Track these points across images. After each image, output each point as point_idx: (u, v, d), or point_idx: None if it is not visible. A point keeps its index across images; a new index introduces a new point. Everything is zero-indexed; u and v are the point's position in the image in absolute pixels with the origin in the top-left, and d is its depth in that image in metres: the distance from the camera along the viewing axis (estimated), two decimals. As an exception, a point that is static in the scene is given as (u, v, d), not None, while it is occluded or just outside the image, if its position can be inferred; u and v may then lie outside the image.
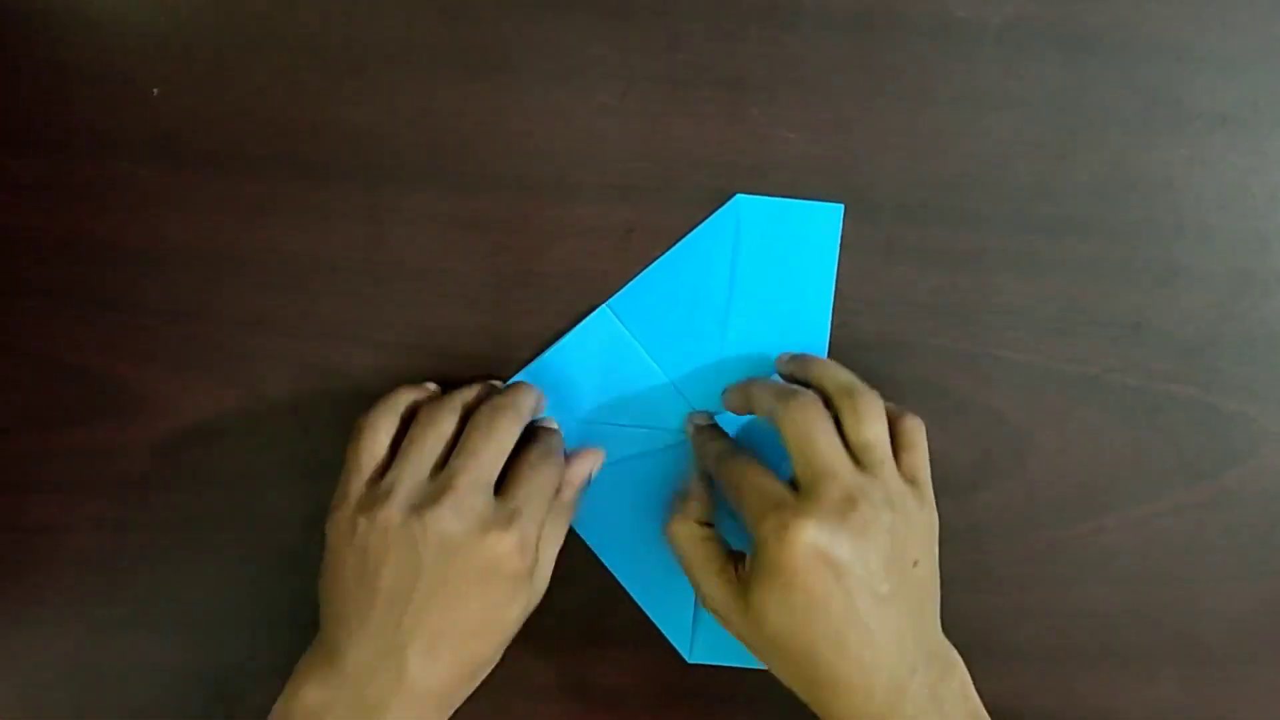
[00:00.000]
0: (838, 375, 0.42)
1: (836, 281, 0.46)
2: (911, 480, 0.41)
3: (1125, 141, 0.45)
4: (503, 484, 0.41)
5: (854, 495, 0.38)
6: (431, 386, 0.44)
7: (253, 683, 0.48)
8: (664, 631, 0.47)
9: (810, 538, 0.37)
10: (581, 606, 0.47)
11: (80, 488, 0.47)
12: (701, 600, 0.42)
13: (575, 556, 0.47)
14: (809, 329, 0.46)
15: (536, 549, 0.41)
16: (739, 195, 0.45)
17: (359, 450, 0.41)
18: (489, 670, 0.41)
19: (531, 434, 0.44)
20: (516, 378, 0.46)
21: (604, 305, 0.46)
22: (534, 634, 0.47)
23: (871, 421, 0.40)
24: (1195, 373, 0.47)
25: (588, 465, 0.45)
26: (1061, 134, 0.45)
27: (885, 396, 0.46)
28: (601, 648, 0.48)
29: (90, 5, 0.45)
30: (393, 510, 0.39)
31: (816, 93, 0.45)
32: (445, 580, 0.38)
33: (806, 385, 0.42)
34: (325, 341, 0.46)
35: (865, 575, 0.38)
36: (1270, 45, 0.45)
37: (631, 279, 0.46)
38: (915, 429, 0.42)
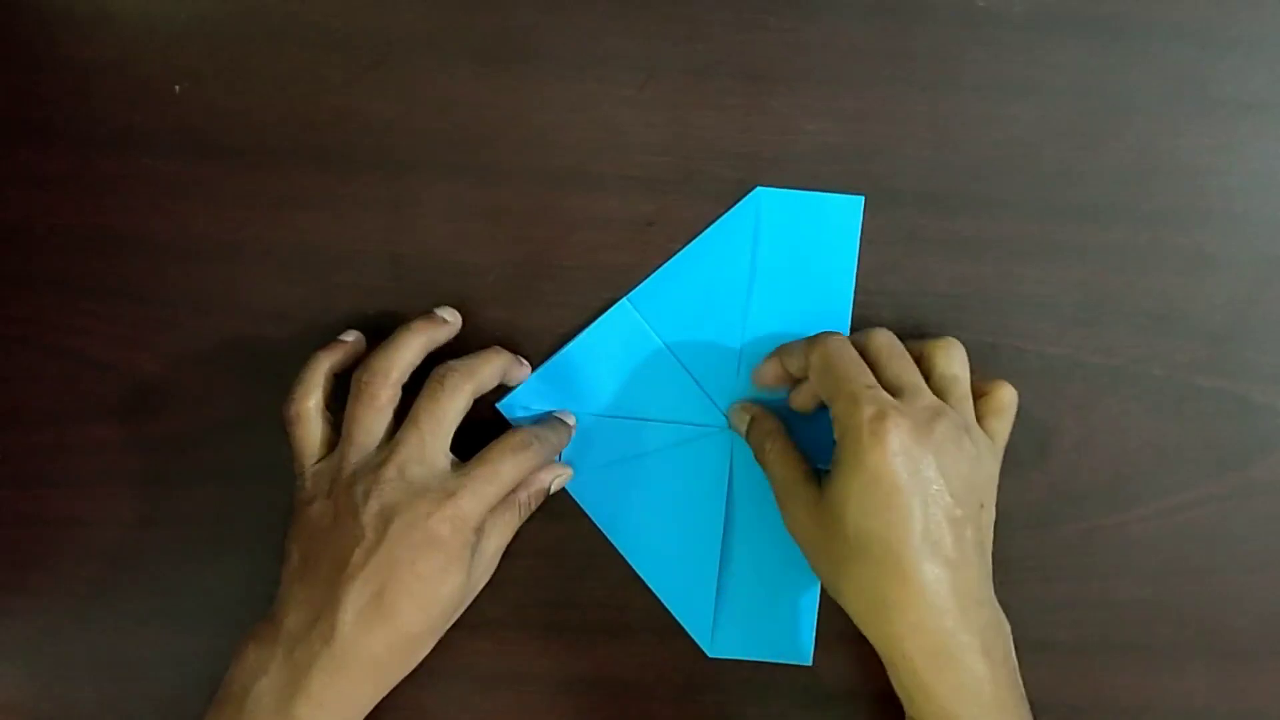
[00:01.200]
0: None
1: (858, 272, 0.46)
2: (992, 436, 0.41)
3: (1151, 128, 0.45)
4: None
5: (939, 411, 0.39)
6: (350, 339, 0.44)
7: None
8: (684, 625, 0.47)
9: (904, 434, 0.38)
10: (602, 599, 0.47)
11: (105, 481, 0.47)
12: (785, 519, 0.42)
13: (595, 549, 0.47)
14: (830, 321, 0.46)
15: (478, 532, 0.41)
16: (759, 187, 0.45)
17: (297, 439, 0.42)
18: (425, 649, 0.42)
19: (533, 420, 0.44)
20: (536, 374, 0.46)
21: (624, 299, 0.46)
22: (554, 626, 0.47)
23: (961, 361, 0.41)
24: (1222, 363, 0.46)
25: (551, 476, 0.45)
26: (1086, 121, 0.45)
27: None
28: (622, 641, 0.48)
29: (113, 2, 0.45)
30: (340, 482, 0.40)
31: (838, 82, 0.45)
32: (380, 547, 0.39)
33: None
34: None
35: (945, 488, 0.38)
36: (1298, 31, 0.45)
37: (652, 271, 0.46)
38: (1008, 395, 0.43)
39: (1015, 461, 0.47)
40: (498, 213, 0.46)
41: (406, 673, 0.42)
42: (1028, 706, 0.40)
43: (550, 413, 0.46)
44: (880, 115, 0.45)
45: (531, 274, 0.46)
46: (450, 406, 0.41)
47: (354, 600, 0.39)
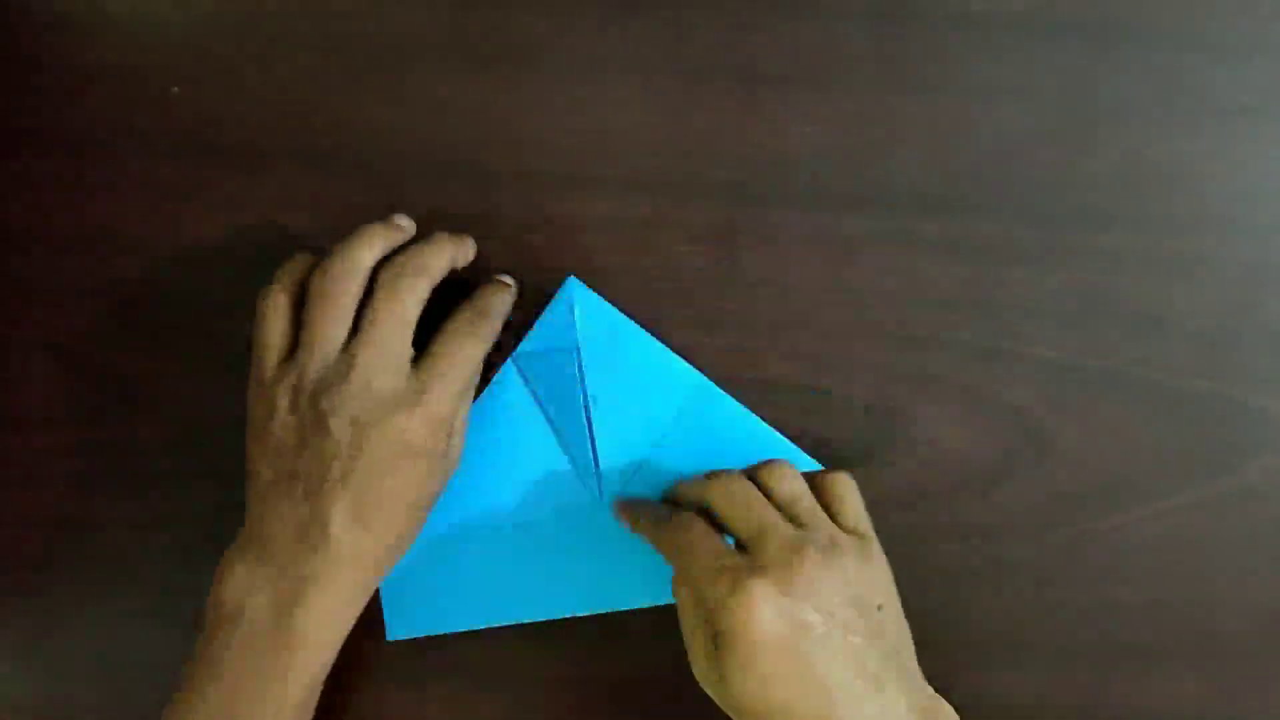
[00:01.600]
0: (742, 468, 0.42)
1: (855, 276, 0.46)
2: (853, 531, 0.40)
3: (1146, 133, 0.45)
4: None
5: (796, 544, 0.37)
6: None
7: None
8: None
9: (767, 595, 0.36)
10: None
11: (101, 483, 0.47)
12: (693, 669, 0.40)
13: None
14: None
15: (452, 423, 0.40)
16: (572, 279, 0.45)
17: (263, 331, 0.41)
18: (412, 540, 0.42)
19: (474, 292, 0.43)
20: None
21: (509, 359, 0.46)
22: (552, 626, 0.47)
23: (788, 479, 0.40)
24: (1216, 366, 0.46)
25: (492, 294, 0.43)
26: (1081, 126, 0.45)
27: (904, 390, 0.46)
28: (620, 641, 0.48)
29: (110, 5, 0.45)
30: (303, 394, 0.39)
31: (834, 85, 0.45)
32: (359, 459, 0.39)
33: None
34: (343, 337, 0.46)
35: (832, 625, 0.37)
36: (1293, 35, 0.45)
37: (647, 274, 0.46)
38: (841, 482, 0.41)
39: (1011, 464, 0.47)
40: (494, 216, 0.46)
41: (398, 560, 0.42)
42: None
43: (490, 278, 0.44)
44: (875, 118, 0.45)
45: (529, 277, 0.46)
46: (408, 306, 0.40)
47: (340, 511, 0.39)
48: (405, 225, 0.43)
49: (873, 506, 0.46)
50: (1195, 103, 0.45)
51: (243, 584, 0.39)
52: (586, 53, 0.45)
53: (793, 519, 0.39)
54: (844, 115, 0.45)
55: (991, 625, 0.47)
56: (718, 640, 0.37)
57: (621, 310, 0.46)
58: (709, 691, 0.39)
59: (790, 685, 0.36)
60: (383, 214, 0.45)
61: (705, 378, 0.46)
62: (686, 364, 0.46)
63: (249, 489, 0.41)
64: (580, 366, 0.45)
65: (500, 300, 0.43)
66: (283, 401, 0.39)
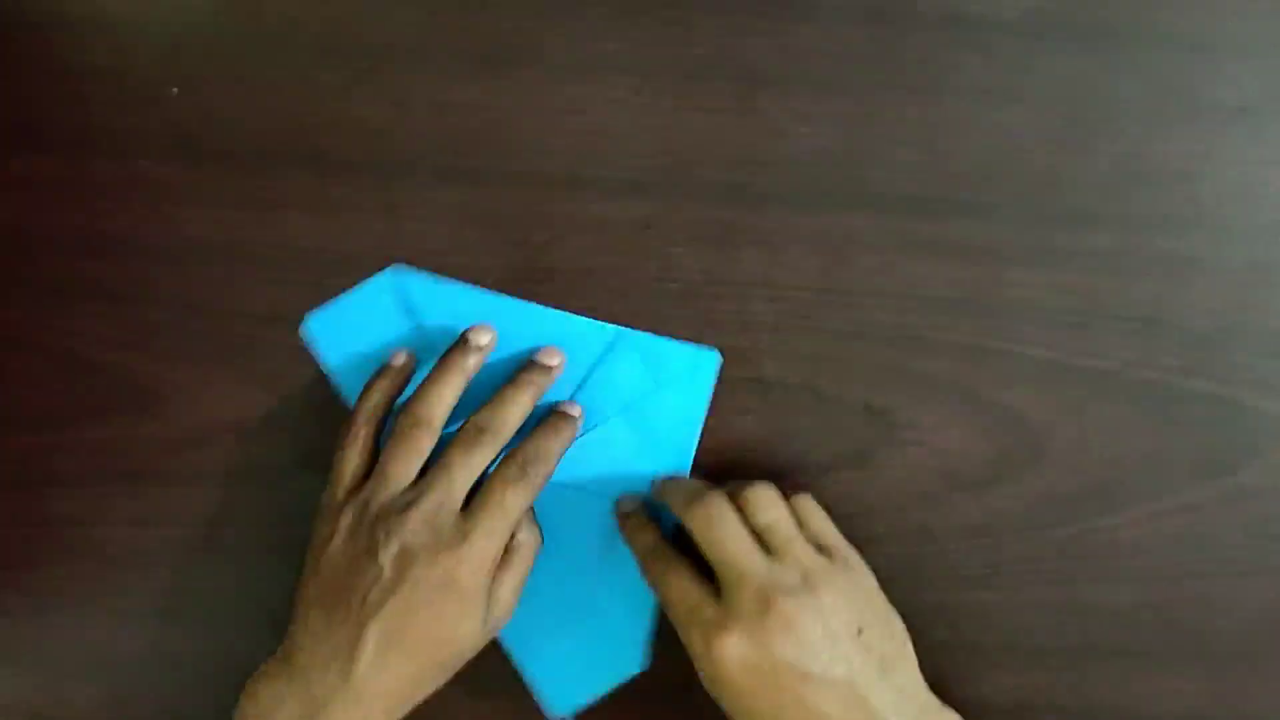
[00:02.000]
0: (725, 486, 0.43)
1: (852, 277, 0.46)
2: (822, 549, 0.41)
3: (1142, 134, 0.45)
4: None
5: (767, 593, 0.39)
6: (400, 362, 0.44)
7: (271, 675, 0.48)
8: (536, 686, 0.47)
9: (738, 648, 0.38)
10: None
11: (100, 482, 0.47)
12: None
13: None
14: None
15: (492, 574, 0.41)
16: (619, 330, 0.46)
17: (342, 460, 0.42)
18: (438, 684, 0.42)
19: (537, 430, 0.44)
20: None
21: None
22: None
23: (766, 506, 0.41)
24: (1212, 367, 0.46)
25: (548, 439, 0.44)
26: (1077, 126, 0.45)
27: (900, 391, 0.46)
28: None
29: (108, 7, 0.45)
30: (365, 521, 0.41)
31: (831, 86, 0.45)
32: (399, 590, 0.40)
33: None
34: (342, 337, 0.47)
35: (808, 661, 0.38)
36: (1289, 36, 0.45)
37: (645, 275, 0.46)
38: (803, 503, 0.43)
39: (1007, 465, 0.47)
40: (492, 216, 0.46)
41: (417, 704, 0.42)
42: None
43: (551, 408, 0.45)
44: (872, 119, 0.45)
45: (526, 278, 0.46)
46: (480, 462, 0.42)
47: (373, 639, 0.40)
48: (483, 341, 0.44)
49: (868, 507, 0.46)
50: (1191, 104, 0.45)
51: (267, 701, 0.40)
52: (585, 54, 0.45)
53: (768, 547, 0.40)
54: (841, 116, 0.45)
55: (986, 626, 0.47)
56: (705, 682, 0.40)
57: (621, 310, 0.46)
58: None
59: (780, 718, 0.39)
60: (379, 213, 0.46)
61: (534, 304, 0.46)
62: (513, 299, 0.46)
63: (295, 604, 0.42)
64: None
65: (559, 443, 0.43)
66: (344, 524, 0.41)
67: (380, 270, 0.46)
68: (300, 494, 0.47)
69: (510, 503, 0.41)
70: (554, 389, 0.45)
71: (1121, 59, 0.45)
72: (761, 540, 0.41)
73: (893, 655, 0.41)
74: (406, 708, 0.42)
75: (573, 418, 0.45)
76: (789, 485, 0.46)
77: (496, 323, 0.45)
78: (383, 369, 0.44)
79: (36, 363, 0.47)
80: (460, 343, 0.44)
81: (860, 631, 0.40)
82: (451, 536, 0.40)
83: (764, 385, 0.47)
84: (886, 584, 0.43)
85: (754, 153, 0.45)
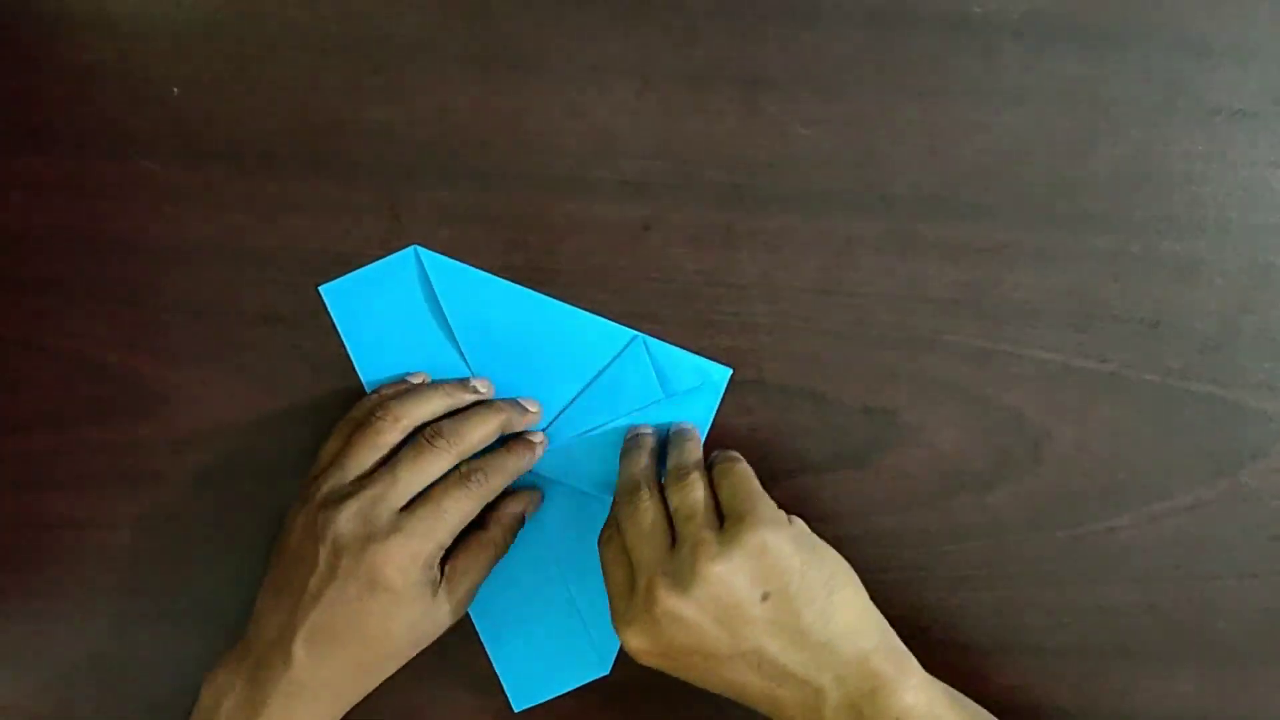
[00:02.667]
0: (681, 451, 0.44)
1: (853, 278, 0.46)
2: (729, 515, 0.41)
3: (1144, 136, 0.45)
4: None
5: (650, 588, 0.39)
6: (417, 381, 0.45)
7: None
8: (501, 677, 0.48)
9: (636, 644, 0.40)
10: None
11: (101, 483, 0.47)
12: None
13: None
14: None
15: (431, 569, 0.42)
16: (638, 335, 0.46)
17: (322, 449, 0.43)
18: (385, 674, 0.43)
19: (499, 449, 0.44)
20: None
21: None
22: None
23: (678, 490, 0.42)
24: (1214, 369, 0.46)
25: (520, 504, 0.46)
26: (1080, 128, 0.45)
27: (902, 392, 0.46)
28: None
29: (111, 6, 0.45)
30: (309, 507, 0.41)
31: (833, 88, 0.45)
32: (333, 581, 0.40)
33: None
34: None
35: (709, 646, 0.39)
36: (1291, 39, 0.45)
37: (646, 276, 0.46)
38: (722, 469, 0.43)
39: (1009, 466, 0.47)
40: (494, 218, 0.46)
41: (366, 693, 0.43)
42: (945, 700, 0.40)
43: (518, 434, 0.46)
44: (875, 121, 0.45)
45: (527, 278, 0.46)
46: (430, 468, 0.42)
47: (308, 629, 0.40)
48: (482, 390, 0.45)
49: (869, 507, 0.46)
50: (1193, 106, 0.45)
51: (221, 685, 0.41)
52: (587, 55, 0.45)
53: (680, 531, 0.41)
54: (843, 118, 0.45)
55: (988, 627, 0.47)
56: None
57: (622, 312, 0.46)
58: None
59: (710, 685, 0.41)
60: (382, 214, 0.46)
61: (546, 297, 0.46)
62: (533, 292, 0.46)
63: (259, 592, 0.43)
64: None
65: (513, 462, 0.44)
66: (300, 511, 0.42)
67: (355, 347, 0.47)
68: (301, 494, 0.47)
69: (447, 506, 0.42)
70: (560, 379, 0.46)
71: (1124, 62, 0.45)
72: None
73: (814, 610, 0.39)
74: (355, 698, 0.42)
75: (534, 444, 0.45)
76: (789, 485, 0.46)
77: (514, 314, 0.46)
78: (397, 381, 0.45)
79: (36, 362, 0.47)
80: (463, 380, 0.45)
81: (765, 597, 0.39)
82: (381, 532, 0.40)
83: (764, 386, 0.47)
84: (887, 584, 0.43)
85: (755, 155, 0.45)
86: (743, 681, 0.40)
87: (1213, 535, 0.47)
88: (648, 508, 0.41)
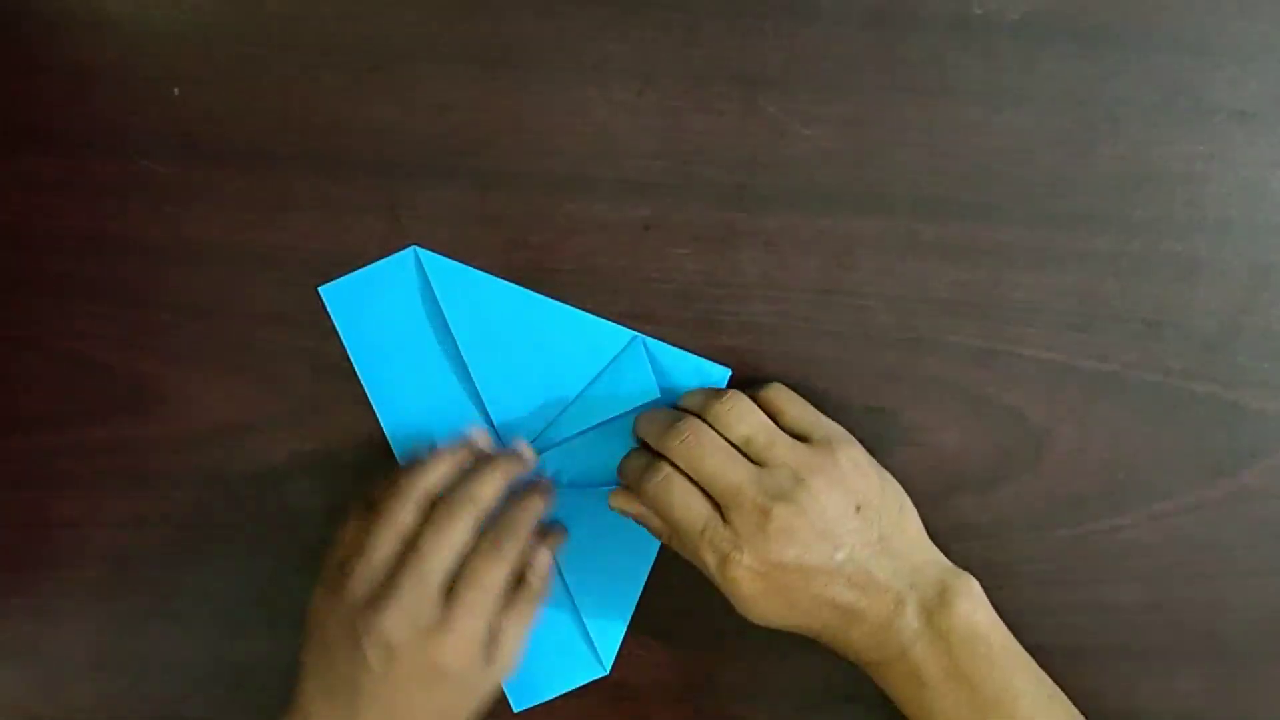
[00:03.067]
0: (691, 400, 0.44)
1: (854, 279, 0.46)
2: (804, 436, 0.42)
3: (1144, 136, 0.45)
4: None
5: (763, 504, 0.40)
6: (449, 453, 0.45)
7: (272, 676, 0.48)
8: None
9: (749, 565, 0.40)
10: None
11: (102, 483, 0.47)
12: None
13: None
14: None
15: (490, 639, 0.42)
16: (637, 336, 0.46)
17: (337, 542, 0.43)
18: None
19: (508, 504, 0.44)
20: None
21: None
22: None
23: (739, 419, 0.42)
24: (1214, 369, 0.46)
25: (551, 550, 0.45)
26: (1080, 129, 0.45)
27: (902, 391, 0.46)
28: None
29: (111, 6, 0.45)
30: (345, 604, 0.41)
31: (834, 88, 0.45)
32: (388, 681, 0.40)
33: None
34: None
35: (813, 558, 0.40)
36: (1291, 39, 0.45)
37: (647, 276, 0.46)
38: (773, 395, 0.44)
39: (1010, 466, 0.47)
40: (494, 217, 0.46)
41: None
42: (1000, 654, 0.42)
43: (523, 485, 0.45)
44: (876, 121, 0.45)
45: (528, 278, 0.46)
46: (455, 540, 0.42)
47: (367, 712, 0.40)
48: (480, 443, 0.45)
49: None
50: (1193, 106, 0.45)
51: None
52: (587, 55, 0.45)
53: (754, 459, 0.41)
54: (843, 118, 0.45)
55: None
56: (720, 586, 0.41)
57: (621, 312, 0.46)
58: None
59: (788, 614, 0.41)
60: (382, 213, 0.46)
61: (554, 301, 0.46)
62: (537, 295, 0.46)
63: (302, 661, 0.42)
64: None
65: (529, 516, 0.44)
66: (335, 610, 0.41)
67: (354, 347, 0.46)
68: (300, 495, 0.47)
69: (488, 580, 0.42)
70: (560, 379, 0.46)
71: (1124, 62, 0.45)
72: (744, 451, 0.42)
73: (891, 522, 0.42)
74: None
75: (544, 491, 0.45)
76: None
77: (513, 315, 0.46)
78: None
79: (37, 363, 0.47)
80: (461, 439, 0.45)
81: (858, 509, 0.41)
82: (433, 625, 0.40)
83: (766, 385, 0.46)
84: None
85: (756, 154, 0.45)
86: (830, 596, 0.40)
87: (1214, 534, 0.47)
88: (711, 435, 0.42)
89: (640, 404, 0.46)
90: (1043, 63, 0.45)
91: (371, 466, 0.47)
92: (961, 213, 0.45)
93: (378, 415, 0.47)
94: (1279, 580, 0.47)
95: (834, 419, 0.44)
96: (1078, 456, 0.47)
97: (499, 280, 0.46)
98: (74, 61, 0.45)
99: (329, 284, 0.46)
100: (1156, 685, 0.48)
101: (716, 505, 0.41)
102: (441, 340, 0.46)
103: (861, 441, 0.43)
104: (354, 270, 0.46)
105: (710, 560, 0.41)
